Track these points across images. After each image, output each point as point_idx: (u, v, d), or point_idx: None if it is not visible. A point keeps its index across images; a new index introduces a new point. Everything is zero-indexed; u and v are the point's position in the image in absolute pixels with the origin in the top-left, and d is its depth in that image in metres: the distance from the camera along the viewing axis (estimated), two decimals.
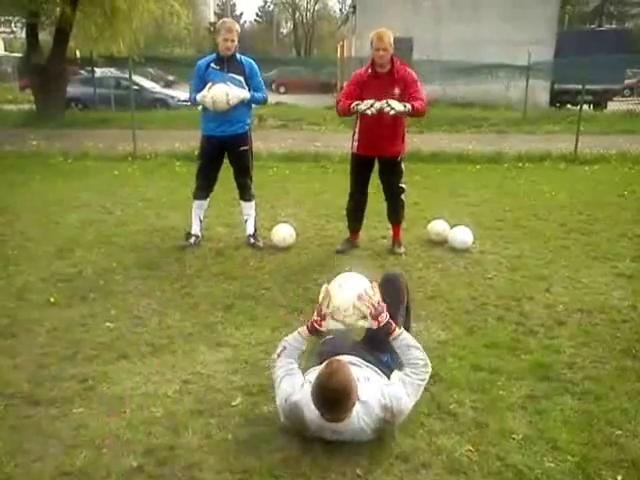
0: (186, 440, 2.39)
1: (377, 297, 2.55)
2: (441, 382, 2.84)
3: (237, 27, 4.70)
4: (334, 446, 2.34)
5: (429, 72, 13.23)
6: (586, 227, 5.71)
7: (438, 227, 5.17)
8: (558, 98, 19.53)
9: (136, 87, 13.69)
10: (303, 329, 2.60)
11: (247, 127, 4.87)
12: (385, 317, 2.52)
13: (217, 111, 4.58)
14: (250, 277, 4.28)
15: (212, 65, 4.68)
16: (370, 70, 4.55)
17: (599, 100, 19.29)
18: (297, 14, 57.28)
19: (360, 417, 2.27)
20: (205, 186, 4.99)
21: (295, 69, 28.07)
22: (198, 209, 5.02)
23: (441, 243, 5.08)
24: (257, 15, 61.54)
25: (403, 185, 4.87)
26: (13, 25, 16.57)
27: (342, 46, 28.95)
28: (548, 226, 5.76)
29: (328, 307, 2.53)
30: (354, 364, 2.45)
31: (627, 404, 2.67)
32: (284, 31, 62.22)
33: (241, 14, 61.98)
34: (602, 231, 5.56)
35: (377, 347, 2.65)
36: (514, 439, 2.41)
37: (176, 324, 3.50)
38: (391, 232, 5.06)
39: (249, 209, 5.08)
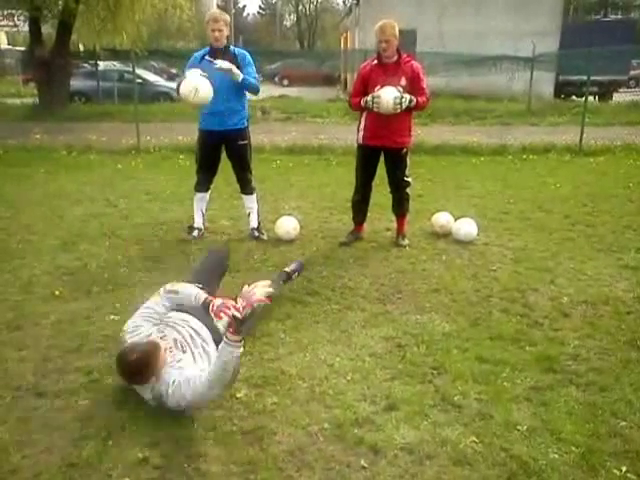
0: (191, 432, 2.41)
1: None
2: (445, 374, 2.85)
3: (225, 17, 4.63)
4: (338, 437, 2.35)
5: (433, 64, 13.16)
6: (591, 219, 5.69)
7: (442, 219, 5.16)
8: (563, 89, 19.42)
9: (139, 80, 13.69)
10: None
11: (246, 122, 4.85)
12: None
13: (201, 99, 4.33)
14: (254, 270, 4.28)
15: (206, 57, 4.64)
16: (376, 61, 4.54)
17: (604, 91, 19.18)
18: (300, 6, 57.10)
19: (151, 390, 2.48)
20: (205, 179, 4.99)
21: (298, 61, 27.98)
22: (200, 202, 5.03)
23: (445, 235, 5.07)
24: (260, 8, 61.51)
25: (408, 178, 4.85)
26: (16, 18, 16.52)
27: (345, 38, 28.82)
28: (552, 218, 5.75)
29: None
30: (187, 340, 2.65)
31: (632, 395, 2.67)
32: (287, 24, 62.01)
33: (244, 7, 62.08)
34: (607, 223, 5.54)
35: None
36: (518, 430, 2.42)
37: None
38: (395, 224, 5.06)
39: (251, 202, 5.07)
